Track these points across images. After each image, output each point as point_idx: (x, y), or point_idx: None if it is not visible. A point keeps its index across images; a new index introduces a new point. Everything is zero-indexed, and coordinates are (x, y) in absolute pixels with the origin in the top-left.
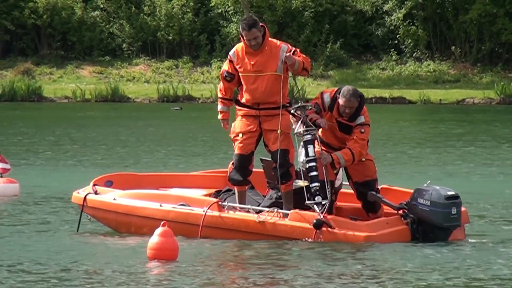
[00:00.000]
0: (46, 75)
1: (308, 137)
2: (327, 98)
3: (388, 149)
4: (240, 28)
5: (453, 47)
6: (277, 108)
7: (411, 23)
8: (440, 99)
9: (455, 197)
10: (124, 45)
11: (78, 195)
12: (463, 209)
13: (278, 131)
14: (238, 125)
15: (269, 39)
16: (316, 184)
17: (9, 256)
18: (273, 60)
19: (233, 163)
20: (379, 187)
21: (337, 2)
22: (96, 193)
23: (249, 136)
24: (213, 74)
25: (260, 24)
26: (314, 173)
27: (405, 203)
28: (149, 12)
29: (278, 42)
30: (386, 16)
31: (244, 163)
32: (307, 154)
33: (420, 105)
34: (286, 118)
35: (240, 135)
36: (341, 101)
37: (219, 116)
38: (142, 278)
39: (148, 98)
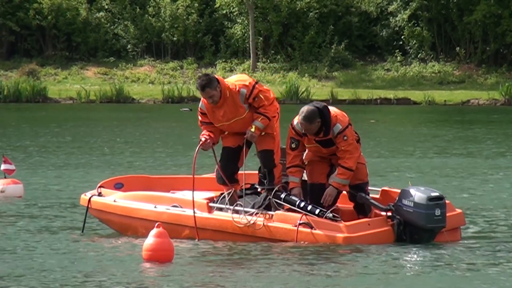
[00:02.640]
0: (50, 76)
1: (283, 195)
2: (298, 125)
3: (391, 150)
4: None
5: (457, 48)
6: None
7: (415, 24)
8: (445, 100)
9: (439, 198)
10: (128, 46)
11: (84, 197)
12: (459, 211)
13: (262, 133)
14: None
15: (226, 85)
16: (319, 210)
17: (8, 256)
18: (239, 107)
19: (219, 164)
20: (380, 189)
21: (341, 3)
22: (100, 195)
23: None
24: (218, 75)
25: (216, 77)
26: (310, 206)
27: (392, 204)
28: (153, 13)
29: (237, 86)
30: (391, 17)
31: (231, 156)
32: (294, 204)
33: (425, 106)
34: (269, 121)
35: (226, 132)
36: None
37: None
38: (138, 279)
39: (152, 99)
